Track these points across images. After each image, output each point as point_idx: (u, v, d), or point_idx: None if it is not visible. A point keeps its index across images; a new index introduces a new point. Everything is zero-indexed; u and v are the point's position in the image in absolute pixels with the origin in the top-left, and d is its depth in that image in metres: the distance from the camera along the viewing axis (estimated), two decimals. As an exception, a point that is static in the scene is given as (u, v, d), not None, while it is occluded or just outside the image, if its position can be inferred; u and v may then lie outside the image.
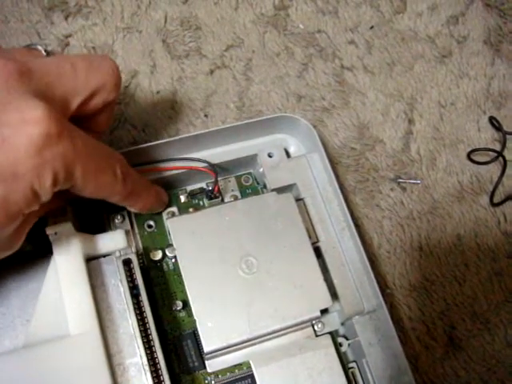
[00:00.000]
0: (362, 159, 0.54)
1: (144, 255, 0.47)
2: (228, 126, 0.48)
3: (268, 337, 0.43)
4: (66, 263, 0.42)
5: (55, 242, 0.43)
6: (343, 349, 0.47)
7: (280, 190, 0.47)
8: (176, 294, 0.46)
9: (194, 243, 0.43)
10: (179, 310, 0.46)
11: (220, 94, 0.55)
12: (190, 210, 0.48)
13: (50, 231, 0.43)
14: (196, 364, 0.44)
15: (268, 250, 0.44)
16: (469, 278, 0.52)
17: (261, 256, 0.44)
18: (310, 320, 0.44)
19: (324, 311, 0.44)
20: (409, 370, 0.43)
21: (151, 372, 0.41)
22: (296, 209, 0.45)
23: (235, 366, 0.44)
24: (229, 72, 0.56)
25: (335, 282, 0.45)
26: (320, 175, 0.48)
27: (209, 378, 0.44)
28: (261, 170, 0.48)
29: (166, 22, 0.57)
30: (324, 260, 0.46)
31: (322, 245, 0.46)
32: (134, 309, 0.42)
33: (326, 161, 0.48)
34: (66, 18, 0.57)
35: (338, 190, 0.47)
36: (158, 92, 0.55)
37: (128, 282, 0.43)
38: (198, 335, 0.43)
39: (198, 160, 0.47)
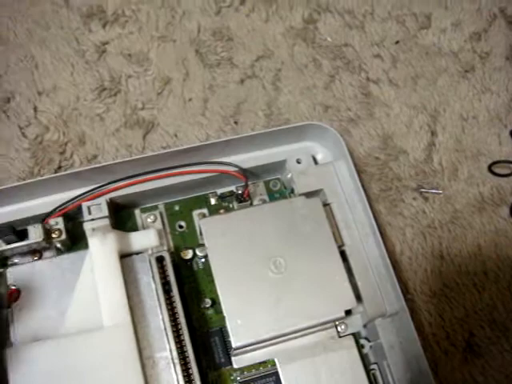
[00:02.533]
0: (385, 168, 0.56)
1: (175, 254, 0.49)
2: (258, 132, 0.50)
3: (293, 335, 0.45)
4: (102, 258, 0.44)
5: (92, 238, 0.45)
6: (365, 350, 0.48)
7: (307, 195, 0.49)
8: (205, 292, 0.48)
9: (225, 243, 0.45)
10: (207, 308, 0.47)
11: (250, 102, 0.57)
12: (221, 211, 0.49)
13: (87, 227, 0.45)
14: (223, 360, 0.46)
15: (296, 252, 0.46)
16: (488, 287, 0.53)
17: (289, 257, 0.45)
18: (335, 320, 0.45)
19: (348, 312, 0.46)
20: (430, 373, 0.44)
21: (181, 365, 0.42)
22: (323, 213, 0.47)
23: (260, 363, 0.46)
24: (259, 82, 0.59)
25: (359, 284, 0.47)
26: (346, 182, 0.50)
27: (234, 374, 0.46)
28: (289, 175, 0.50)
29: (199, 32, 0.60)
30: (349, 263, 0.47)
31: (347, 249, 0.48)
32: (166, 304, 0.44)
33: (353, 168, 0.49)
34: (104, 26, 0.59)
35: (364, 197, 0.49)
36: (190, 99, 0.57)
37: (160, 278, 0.45)
38: (226, 332, 0.45)
39: (230, 164, 0.49)
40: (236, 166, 0.49)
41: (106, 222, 0.46)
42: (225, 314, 0.43)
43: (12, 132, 0.54)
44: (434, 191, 0.56)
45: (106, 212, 0.46)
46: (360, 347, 0.48)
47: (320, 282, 0.45)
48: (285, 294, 0.44)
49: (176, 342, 0.43)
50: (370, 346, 0.48)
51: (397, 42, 0.62)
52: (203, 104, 0.57)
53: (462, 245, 0.54)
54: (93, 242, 0.45)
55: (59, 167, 0.53)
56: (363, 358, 0.47)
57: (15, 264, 0.47)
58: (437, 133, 0.58)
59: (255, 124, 0.56)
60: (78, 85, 0.57)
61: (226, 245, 0.45)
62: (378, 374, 0.47)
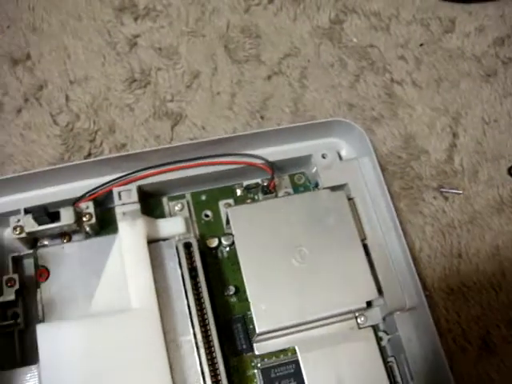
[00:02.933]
0: (407, 167, 0.57)
1: (200, 242, 0.50)
2: (287, 126, 0.51)
3: (315, 324, 0.46)
4: (131, 242, 0.46)
5: (122, 222, 0.46)
6: (383, 343, 0.49)
7: (331, 189, 0.50)
8: (228, 280, 0.49)
9: (252, 231, 0.46)
10: (231, 295, 0.48)
11: (276, 98, 0.59)
12: (248, 201, 0.51)
13: (118, 211, 0.47)
14: (244, 347, 0.47)
15: (320, 243, 0.47)
16: (505, 287, 0.54)
17: (313, 247, 0.46)
18: (356, 310, 0.47)
19: (369, 304, 0.46)
20: (447, 367, 0.45)
21: (205, 349, 0.43)
22: (348, 206, 0.48)
23: (281, 350, 0.47)
24: (285, 79, 0.60)
25: (380, 278, 0.48)
26: (369, 178, 0.51)
27: (255, 361, 0.47)
28: (314, 169, 0.51)
29: (228, 28, 0.61)
30: (370, 257, 0.48)
31: (369, 243, 0.49)
32: (192, 289, 0.45)
33: (377, 165, 0.51)
34: (135, 19, 0.61)
35: (387, 193, 0.50)
36: (218, 93, 0.58)
37: (187, 264, 0.46)
38: (248, 319, 0.47)
39: (257, 157, 0.50)
40: (263, 158, 0.50)
41: (137, 207, 0.47)
42: (249, 300, 0.44)
43: (44, 119, 0.56)
44: (454, 191, 0.57)
45: (136, 197, 0.48)
46: (378, 340, 0.48)
47: (342, 272, 0.46)
48: (308, 282, 0.45)
49: (201, 327, 0.44)
50: (388, 339, 0.49)
51: (421, 45, 0.63)
52: (231, 98, 0.58)
53: (480, 245, 0.55)
54: (123, 226, 0.46)
55: (89, 154, 0.55)
56: (381, 350, 0.48)
57: (45, 246, 0.48)
58: (458, 135, 0.59)
59: (281, 120, 0.58)
60: (109, 75, 0.58)
61: (253, 233, 0.46)
62: (395, 366, 0.48)
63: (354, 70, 0.61)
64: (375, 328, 0.49)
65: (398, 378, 0.48)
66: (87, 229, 0.48)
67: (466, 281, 0.54)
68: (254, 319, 0.44)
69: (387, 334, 0.49)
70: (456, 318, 0.52)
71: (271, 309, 0.44)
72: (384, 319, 0.49)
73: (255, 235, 0.46)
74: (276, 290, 0.45)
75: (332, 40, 0.62)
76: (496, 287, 0.54)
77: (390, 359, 0.49)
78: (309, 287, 0.45)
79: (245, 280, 0.45)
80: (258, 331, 0.44)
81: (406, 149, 0.58)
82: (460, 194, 0.57)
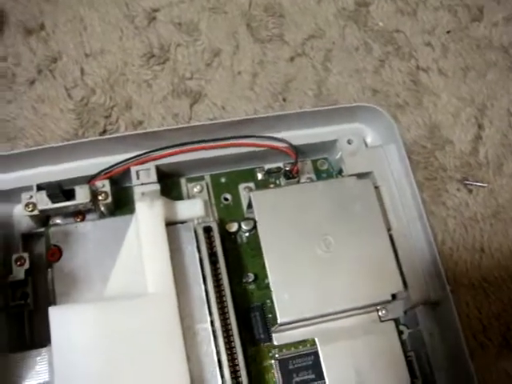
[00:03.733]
0: (431, 158, 0.56)
1: (219, 226, 0.48)
2: (310, 109, 0.49)
3: (337, 316, 0.44)
4: (148, 224, 0.44)
5: (140, 203, 0.45)
6: (403, 337, 0.48)
7: (357, 177, 0.48)
8: (247, 267, 0.47)
9: (275, 217, 0.45)
10: (249, 283, 0.47)
11: (299, 80, 0.57)
12: (271, 186, 0.49)
13: (137, 191, 0.45)
14: (262, 336, 0.46)
15: (345, 232, 0.45)
16: (527, 284, 0.53)
17: (338, 236, 0.45)
18: (381, 303, 0.45)
19: (392, 297, 0.45)
20: (470, 363, 0.44)
21: (223, 338, 0.42)
22: (374, 195, 0.47)
23: (300, 342, 0.45)
24: (308, 61, 0.58)
25: (404, 270, 0.46)
26: (395, 166, 0.50)
27: (273, 351, 0.45)
28: (338, 155, 0.50)
29: (250, 6, 0.59)
30: (395, 248, 0.47)
31: (394, 233, 0.47)
32: (212, 275, 0.43)
33: (404, 153, 0.49)
34: (156, -8, 0.58)
35: (413, 182, 0.48)
36: (239, 72, 0.56)
37: (207, 248, 0.44)
38: (267, 308, 0.45)
39: (281, 140, 0.49)
40: (287, 142, 0.48)
41: (156, 187, 0.45)
42: (272, 288, 0.42)
43: (57, 92, 0.53)
44: (478, 184, 0.55)
45: (155, 178, 0.46)
46: (399, 333, 0.47)
47: (368, 263, 0.44)
48: (332, 273, 0.44)
49: (219, 314, 0.42)
50: (409, 333, 0.48)
51: (448, 32, 0.61)
52: (252, 79, 0.56)
53: (503, 239, 0.54)
54: (140, 206, 0.44)
55: (104, 131, 0.53)
56: (402, 344, 0.47)
57: (57, 225, 0.46)
58: (484, 126, 0.58)
59: (304, 103, 0.56)
60: (127, 50, 0.56)
61: (276, 219, 0.45)
62: (414, 361, 0.47)
63: (379, 54, 0.59)
64: (396, 322, 0.47)
65: (418, 373, 0.47)
66: (102, 208, 0.46)
67: (488, 276, 0.52)
68: (276, 309, 0.42)
69: (408, 328, 0.48)
70: (476, 314, 0.51)
71: (294, 299, 0.42)
72: (405, 313, 0.48)
73: (278, 221, 0.45)
74: (299, 279, 0.43)
75: (357, 23, 0.60)
76: (518, 283, 0.52)
77: (410, 353, 0.47)
78: (333, 277, 0.44)
79: (267, 268, 0.43)
80: (280, 321, 0.42)
81: (430, 138, 0.56)
82: (484, 187, 0.55)
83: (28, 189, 0.44)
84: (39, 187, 0.44)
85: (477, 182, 0.55)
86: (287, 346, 0.45)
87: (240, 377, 0.41)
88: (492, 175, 0.56)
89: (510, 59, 0.61)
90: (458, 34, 0.61)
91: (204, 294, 0.43)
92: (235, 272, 0.47)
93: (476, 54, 0.61)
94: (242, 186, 0.50)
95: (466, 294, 0.52)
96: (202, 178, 0.50)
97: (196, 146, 0.48)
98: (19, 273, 0.44)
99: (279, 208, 0.45)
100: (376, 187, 0.49)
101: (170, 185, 0.49)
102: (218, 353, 0.41)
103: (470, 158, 0.56)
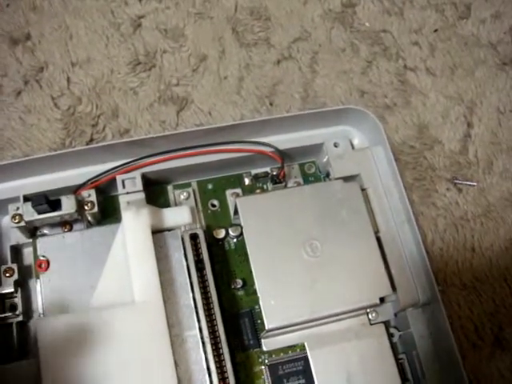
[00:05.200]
0: (420, 158, 0.55)
1: (206, 233, 0.48)
2: (297, 113, 0.49)
3: (326, 320, 0.44)
4: (135, 232, 0.44)
5: (126, 211, 0.45)
6: (394, 339, 0.48)
7: (344, 180, 0.48)
8: (236, 273, 0.47)
9: (261, 223, 0.45)
10: (238, 289, 0.47)
11: (286, 83, 0.57)
12: (257, 191, 0.49)
13: (123, 200, 0.45)
14: (252, 342, 0.46)
15: (332, 236, 0.45)
16: (519, 282, 0.52)
17: (325, 240, 0.45)
18: (369, 307, 0.45)
19: (381, 301, 0.45)
20: (461, 364, 0.44)
21: (211, 345, 0.42)
22: (361, 198, 0.47)
23: (289, 347, 0.45)
24: (295, 63, 0.58)
25: (393, 272, 0.46)
26: (383, 168, 0.49)
27: (263, 357, 0.45)
28: (325, 158, 0.50)
29: (236, 10, 0.59)
30: (383, 251, 0.47)
31: (382, 235, 0.47)
32: (198, 282, 0.43)
33: (391, 155, 0.49)
34: (140, -1, 0.58)
35: (401, 184, 0.48)
36: (225, 77, 0.56)
37: (193, 255, 0.44)
38: (256, 314, 0.45)
39: (267, 145, 0.48)
40: (273, 146, 0.48)
41: (142, 196, 0.45)
42: (259, 294, 0.42)
43: (44, 102, 0.54)
44: (468, 183, 0.55)
45: (140, 186, 0.46)
46: (390, 336, 0.47)
47: (355, 267, 0.44)
48: (319, 277, 0.44)
49: (207, 321, 0.42)
50: (400, 336, 0.48)
51: (435, 31, 0.61)
52: (238, 83, 0.56)
53: (493, 238, 0.53)
54: (126, 215, 0.45)
55: (91, 140, 0.53)
56: (392, 347, 0.46)
57: (44, 235, 0.47)
58: (473, 124, 0.57)
59: (291, 106, 0.56)
60: (113, 58, 0.56)
61: (262, 224, 0.45)
62: (406, 363, 0.47)
63: (367, 55, 0.59)
64: (386, 324, 0.47)
65: (409, 375, 0.47)
66: (89, 218, 0.46)
67: (479, 275, 0.52)
68: (264, 315, 0.42)
69: (398, 331, 0.48)
70: (468, 314, 0.51)
71: (281, 304, 0.42)
72: (396, 315, 0.47)
73: (265, 227, 0.45)
74: (286, 284, 0.43)
75: (344, 24, 0.60)
76: (510, 282, 0.52)
77: (401, 356, 0.47)
78: (320, 282, 0.43)
79: (254, 274, 0.43)
80: (267, 328, 0.42)
81: (419, 138, 0.56)
82: (474, 185, 0.55)
83: (15, 200, 0.45)
84: (26, 198, 0.44)
85: (466, 180, 0.55)
86: (277, 351, 0.45)
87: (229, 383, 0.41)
88: (482, 174, 0.56)
89: (499, 56, 0.61)
90: (445, 33, 0.61)
91: (192, 301, 0.43)
92: (224, 278, 0.47)
93: (464, 51, 0.60)
94: (229, 192, 0.50)
95: (457, 294, 0.51)
96: (188, 185, 0.50)
97: (182, 152, 0.48)
98: (8, 284, 0.44)
99: (265, 213, 0.45)
100: (363, 189, 0.48)
101: (157, 192, 0.49)
102: (206, 360, 0.41)
103: (460, 157, 0.56)
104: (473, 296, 0.52)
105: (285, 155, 0.49)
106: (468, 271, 0.52)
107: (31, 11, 0.57)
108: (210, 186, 0.50)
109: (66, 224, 0.47)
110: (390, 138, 0.55)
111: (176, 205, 0.49)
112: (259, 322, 0.45)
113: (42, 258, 0.44)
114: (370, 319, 0.46)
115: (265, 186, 0.50)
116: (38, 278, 0.43)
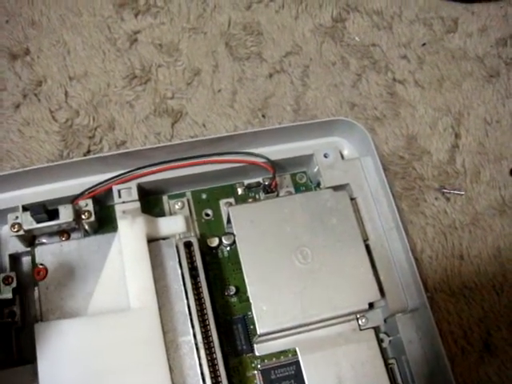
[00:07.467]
0: (409, 168, 0.57)
1: (201, 241, 0.49)
2: (289, 125, 0.51)
3: (316, 325, 0.45)
4: (130, 241, 0.45)
5: (122, 220, 0.46)
6: (384, 345, 0.49)
7: (334, 189, 0.49)
8: (229, 280, 0.48)
9: (253, 231, 0.46)
10: (231, 296, 0.48)
11: (278, 96, 0.58)
12: (250, 200, 0.50)
13: (118, 209, 0.46)
14: (244, 347, 0.46)
15: (322, 243, 0.46)
16: (506, 289, 0.53)
17: (315, 248, 0.46)
18: (358, 312, 0.46)
19: (370, 305, 0.46)
20: (449, 369, 0.45)
21: (205, 350, 0.43)
22: (350, 206, 0.48)
23: (281, 352, 0.46)
24: (287, 77, 0.59)
25: (382, 279, 0.47)
26: (372, 178, 0.51)
27: (255, 362, 0.46)
28: (316, 168, 0.51)
29: (229, 25, 0.61)
30: (372, 258, 0.48)
31: (371, 243, 0.49)
32: (192, 289, 0.44)
33: (379, 165, 0.50)
34: (136, 15, 0.60)
35: (389, 193, 0.49)
36: (219, 90, 0.58)
37: (187, 263, 0.45)
38: (249, 320, 0.46)
39: (259, 155, 0.50)
40: (265, 157, 0.50)
41: (137, 205, 0.46)
42: (251, 300, 0.44)
43: (42, 115, 0.55)
44: (456, 192, 0.56)
45: (136, 196, 0.47)
46: (379, 341, 0.48)
47: (345, 273, 0.46)
48: (310, 283, 0.45)
49: (201, 327, 0.43)
50: (390, 341, 0.49)
51: (423, 45, 0.63)
52: (232, 96, 0.58)
53: (481, 246, 0.55)
54: (122, 224, 0.46)
55: (88, 151, 0.54)
56: (382, 352, 0.47)
57: (43, 244, 0.48)
58: (460, 135, 0.59)
59: (282, 118, 0.57)
60: (109, 72, 0.57)
61: (254, 232, 0.46)
62: (395, 368, 0.48)
63: (356, 68, 0.61)
64: (376, 330, 0.48)
65: (399, 380, 0.48)
66: (86, 227, 0.47)
67: (468, 282, 0.53)
68: (256, 320, 0.43)
69: (388, 336, 0.49)
70: (457, 320, 0.52)
71: (273, 310, 0.44)
72: (385, 321, 0.49)
73: (257, 235, 0.46)
74: (277, 290, 0.44)
75: (334, 38, 0.62)
76: (497, 289, 0.53)
77: (391, 361, 0.48)
78: (311, 288, 0.45)
79: (246, 280, 0.44)
80: (259, 332, 0.43)
81: (407, 149, 0.57)
82: (462, 194, 0.56)
83: (14, 210, 0.46)
84: (24, 208, 0.45)
85: (454, 190, 0.56)
86: (269, 356, 0.46)
87: (222, 388, 0.42)
88: (469, 183, 0.57)
89: (485, 69, 0.62)
90: (433, 46, 0.63)
91: (186, 307, 0.44)
92: (217, 285, 0.48)
93: (451, 64, 0.62)
94: (222, 202, 0.51)
95: (446, 301, 0.53)
96: (183, 195, 0.51)
97: (177, 163, 0.49)
98: (7, 292, 0.45)
99: (257, 222, 0.46)
100: (352, 199, 0.50)
101: (152, 202, 0.51)
102: (200, 365, 0.42)
103: (448, 166, 0.57)
104: (461, 302, 0.53)
105: (277, 166, 0.50)
106: (457, 278, 0.53)
107: (30, 27, 0.59)
108: (203, 196, 0.51)
109: (64, 233, 0.48)
110: (379, 148, 0.57)
111: (171, 214, 0.50)
112: (252, 327, 0.46)
113: (40, 266, 0.45)
114: (359, 325, 0.47)
115: (257, 196, 0.52)
116: (36, 285, 0.44)
